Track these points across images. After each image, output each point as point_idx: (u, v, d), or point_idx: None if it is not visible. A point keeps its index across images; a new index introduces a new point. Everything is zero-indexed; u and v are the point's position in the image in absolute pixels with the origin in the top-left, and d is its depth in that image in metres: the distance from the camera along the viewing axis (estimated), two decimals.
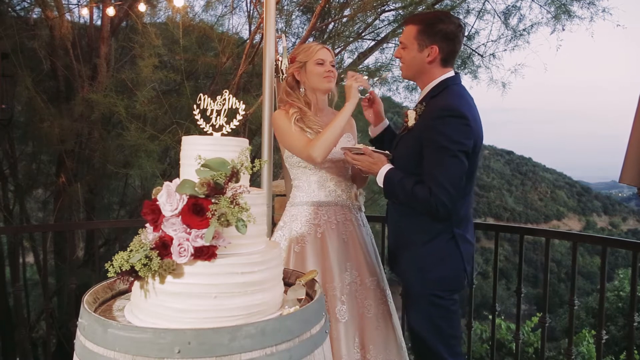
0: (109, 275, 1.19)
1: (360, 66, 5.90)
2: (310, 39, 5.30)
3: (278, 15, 5.57)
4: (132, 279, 1.21)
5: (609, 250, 2.41)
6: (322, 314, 1.33)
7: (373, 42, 5.98)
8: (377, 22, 5.84)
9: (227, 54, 5.39)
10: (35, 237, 5.78)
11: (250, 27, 5.68)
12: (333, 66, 2.17)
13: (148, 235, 1.25)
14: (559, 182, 45.49)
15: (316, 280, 1.50)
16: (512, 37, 5.95)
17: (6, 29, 5.18)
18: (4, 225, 5.87)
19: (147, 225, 1.26)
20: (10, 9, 5.98)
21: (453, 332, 1.96)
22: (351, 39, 5.86)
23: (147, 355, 1.08)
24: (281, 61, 2.31)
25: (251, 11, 5.67)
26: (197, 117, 1.40)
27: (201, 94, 1.40)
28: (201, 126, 1.39)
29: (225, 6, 6.18)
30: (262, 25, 3.70)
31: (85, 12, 5.77)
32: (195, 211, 1.19)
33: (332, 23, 5.81)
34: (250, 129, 5.30)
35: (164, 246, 1.19)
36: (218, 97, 1.38)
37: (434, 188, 1.80)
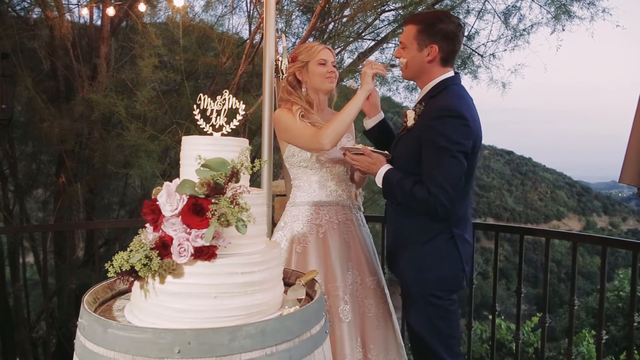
0: (109, 275, 1.19)
1: (360, 66, 5.90)
2: (310, 39, 5.30)
3: (278, 15, 5.57)
4: (132, 279, 1.21)
5: (609, 250, 2.41)
6: (322, 314, 1.33)
7: (373, 42, 5.98)
8: (377, 22, 5.85)
9: (227, 54, 5.39)
10: (35, 237, 5.77)
11: (250, 27, 5.69)
12: (334, 66, 2.16)
13: (148, 235, 1.25)
14: (559, 182, 45.48)
15: (316, 280, 1.49)
16: (512, 37, 5.96)
17: (6, 29, 5.18)
18: (4, 225, 5.87)
19: (147, 225, 1.26)
20: (10, 9, 5.98)
21: (452, 332, 1.96)
22: (351, 39, 5.87)
23: (147, 355, 1.08)
24: (281, 61, 2.31)
25: (251, 11, 5.68)
26: (197, 117, 1.40)
27: (201, 94, 1.40)
28: (201, 126, 1.39)
29: (225, 6, 6.19)
30: (262, 25, 3.70)
31: (85, 12, 5.78)
32: (195, 211, 1.19)
33: (332, 23, 5.81)
34: (250, 129, 5.30)
35: (164, 246, 1.19)
36: (218, 97, 1.38)
37: (433, 188, 1.80)
